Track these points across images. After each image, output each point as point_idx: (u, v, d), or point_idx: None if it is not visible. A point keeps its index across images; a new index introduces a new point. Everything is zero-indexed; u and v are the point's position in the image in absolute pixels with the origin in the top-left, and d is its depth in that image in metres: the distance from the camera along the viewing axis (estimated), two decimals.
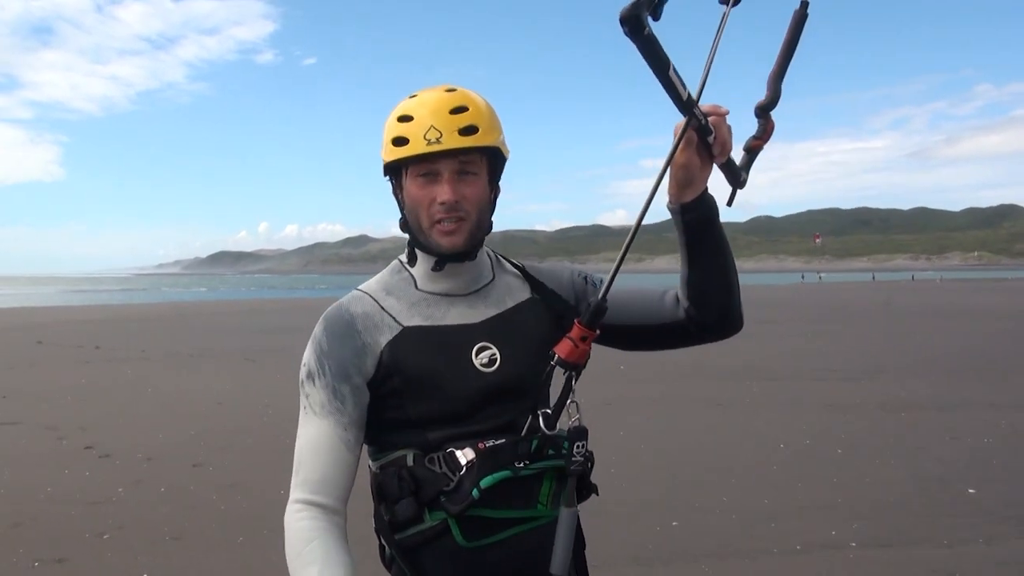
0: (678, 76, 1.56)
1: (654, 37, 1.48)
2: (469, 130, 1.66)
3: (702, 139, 1.66)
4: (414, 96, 1.73)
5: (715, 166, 1.73)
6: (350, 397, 1.72)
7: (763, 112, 1.72)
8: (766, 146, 1.78)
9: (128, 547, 5.83)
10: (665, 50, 1.52)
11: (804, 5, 1.67)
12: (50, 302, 60.08)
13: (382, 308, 1.78)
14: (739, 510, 6.41)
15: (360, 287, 1.86)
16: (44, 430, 9.95)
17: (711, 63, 1.62)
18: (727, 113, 1.68)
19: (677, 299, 1.87)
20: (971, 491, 6.79)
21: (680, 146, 1.65)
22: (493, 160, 1.76)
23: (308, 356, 1.76)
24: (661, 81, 1.55)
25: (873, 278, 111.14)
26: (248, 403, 11.80)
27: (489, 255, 1.92)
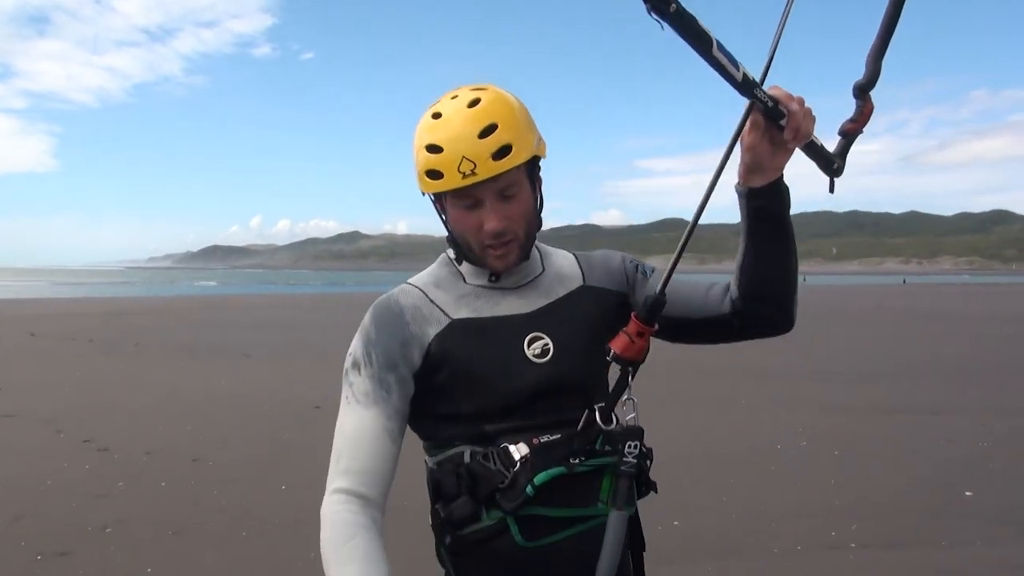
0: (727, 54, 1.46)
1: (687, 13, 1.39)
2: (503, 152, 1.59)
3: (772, 122, 1.56)
4: (438, 115, 1.65)
5: (798, 152, 1.65)
6: (396, 387, 1.69)
7: (861, 93, 1.63)
8: (864, 130, 1.67)
9: (131, 541, 5.84)
10: (707, 27, 1.43)
11: None
12: (42, 294, 59.85)
13: (431, 300, 1.76)
14: (738, 510, 6.45)
15: (409, 280, 1.83)
16: (42, 423, 9.94)
17: (779, 39, 1.55)
18: (800, 100, 1.56)
19: (724, 292, 1.79)
20: (968, 494, 6.83)
21: (746, 128, 1.59)
22: (532, 164, 1.71)
23: (355, 346, 1.74)
24: (707, 61, 1.45)
25: (904, 282, 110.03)
26: (245, 398, 11.79)
27: (538, 248, 1.87)
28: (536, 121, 1.70)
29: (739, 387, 12.53)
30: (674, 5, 1.36)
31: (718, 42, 1.45)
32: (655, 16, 1.36)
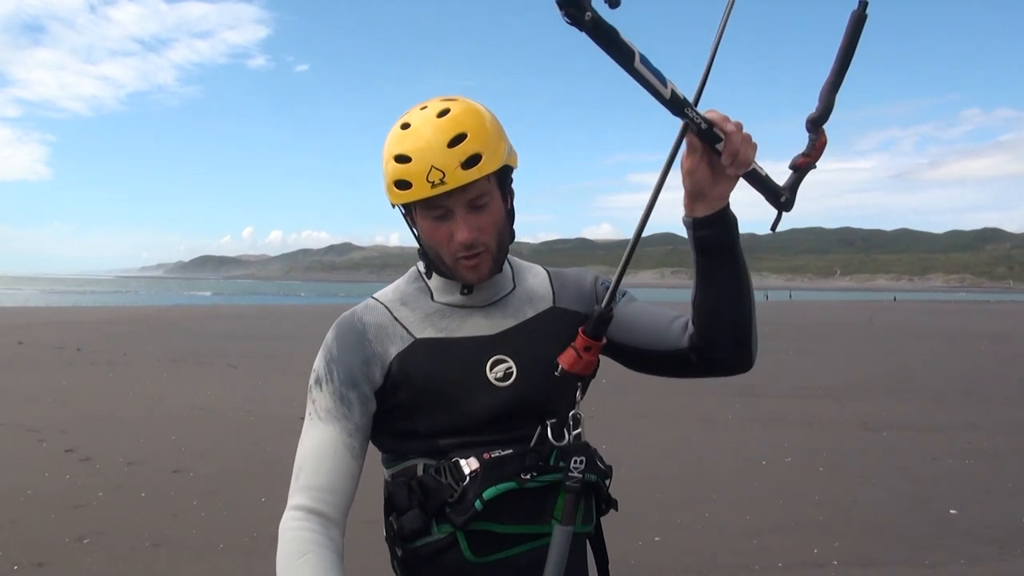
0: (652, 70, 1.44)
1: (606, 25, 1.37)
2: (472, 161, 1.56)
3: (709, 146, 1.53)
4: (407, 126, 1.62)
5: (746, 182, 1.61)
6: (357, 404, 1.68)
7: (814, 126, 1.61)
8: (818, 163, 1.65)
9: (108, 552, 5.79)
10: (629, 40, 1.40)
11: (863, 5, 1.53)
12: (32, 302, 59.73)
13: (395, 318, 1.74)
14: (721, 526, 6.42)
15: (375, 295, 1.82)
16: (25, 432, 9.88)
17: (713, 58, 1.53)
18: (738, 124, 1.51)
19: (685, 326, 1.75)
20: (952, 512, 6.81)
21: (684, 153, 1.56)
22: (503, 174, 1.68)
23: (318, 362, 1.73)
24: (630, 74, 1.43)
25: (895, 299, 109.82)
26: (230, 409, 11.74)
27: (511, 263, 1.85)
28: (528, 136, 1.68)
29: (726, 403, 12.50)
30: (590, 14, 1.34)
31: (642, 56, 1.43)
32: (570, 22, 1.34)
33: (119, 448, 8.99)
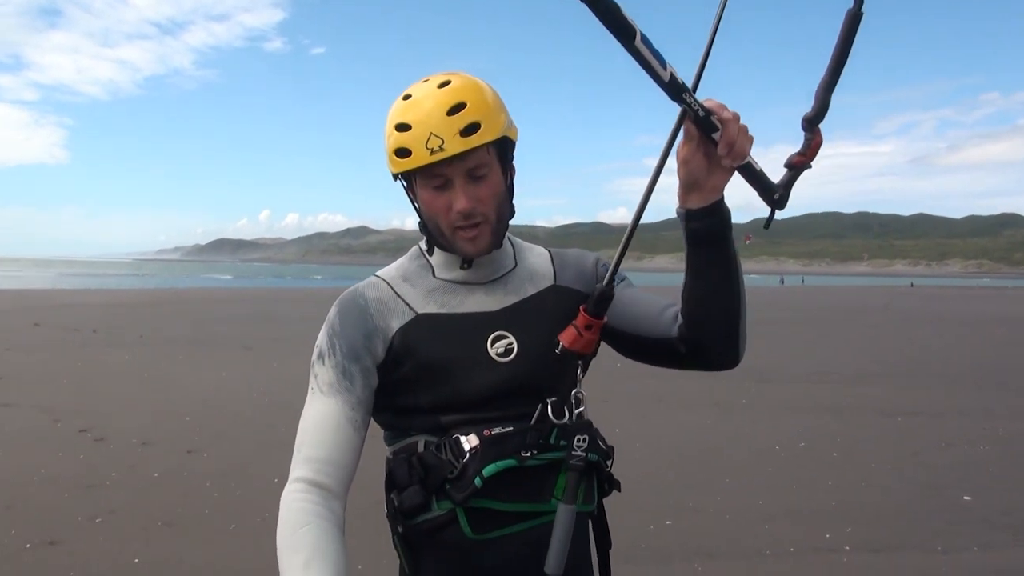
0: (652, 51, 1.43)
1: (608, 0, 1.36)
2: (471, 129, 1.58)
3: (705, 135, 1.51)
4: (408, 97, 1.65)
5: (741, 176, 1.60)
6: (359, 377, 1.68)
7: (810, 125, 1.58)
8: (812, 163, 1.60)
9: (120, 531, 5.83)
10: (631, 18, 1.38)
11: (858, 3, 1.51)
12: (49, 284, 60.01)
13: (397, 294, 1.76)
14: (733, 511, 6.40)
15: (377, 273, 1.83)
16: (39, 412, 9.94)
17: (712, 43, 1.51)
18: (735, 115, 1.50)
19: (677, 316, 1.73)
20: (966, 498, 6.77)
21: (680, 140, 1.54)
22: (502, 147, 1.68)
23: (321, 337, 1.74)
24: (630, 53, 1.42)
25: (911, 285, 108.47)
26: (245, 391, 11.78)
27: (512, 241, 1.86)
28: (543, 117, 1.67)
29: (740, 388, 12.46)
30: None
31: (643, 35, 1.42)
32: None
33: (133, 429, 9.04)
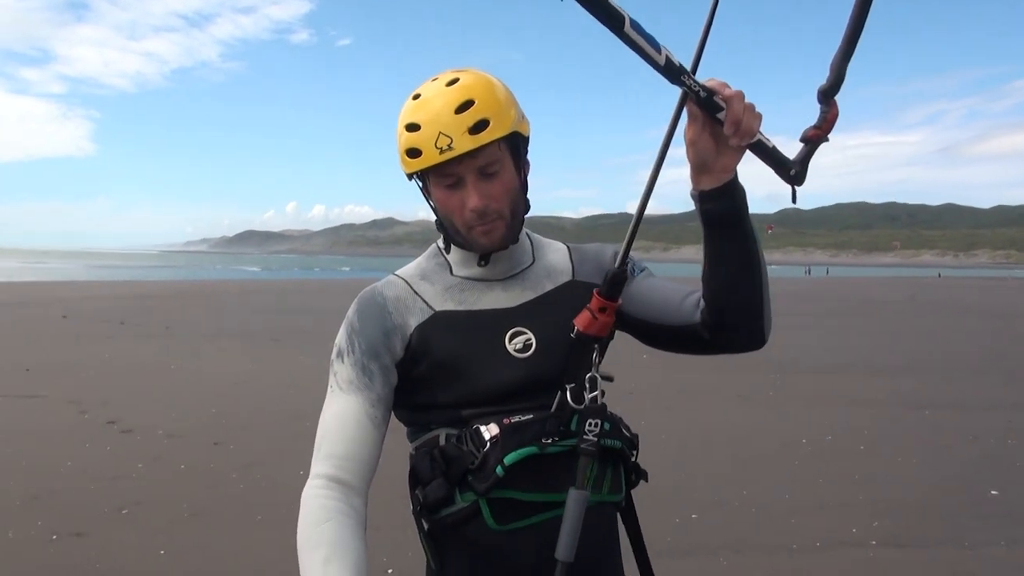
0: (644, 35, 1.41)
1: None
2: (479, 126, 1.58)
3: (710, 115, 1.49)
4: (417, 96, 1.65)
5: (754, 155, 1.57)
6: (378, 375, 1.69)
7: (825, 97, 1.54)
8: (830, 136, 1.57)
9: (146, 523, 5.87)
10: (619, 4, 1.38)
11: None
12: (77, 277, 60.43)
13: (415, 292, 1.76)
14: (758, 504, 6.38)
15: (396, 272, 1.84)
16: (66, 404, 10.03)
17: (710, 24, 1.50)
18: (739, 92, 1.47)
19: (699, 302, 1.71)
20: (993, 492, 6.72)
21: (686, 122, 1.52)
22: (514, 143, 1.67)
23: (340, 336, 1.75)
24: (621, 39, 1.41)
25: (939, 275, 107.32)
26: (271, 383, 11.84)
27: (529, 237, 1.86)
28: (571, 108, 1.66)
29: (766, 380, 12.43)
30: None
31: (632, 20, 1.40)
32: None
33: (160, 421, 9.10)
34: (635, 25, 1.40)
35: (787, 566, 5.24)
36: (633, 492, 1.82)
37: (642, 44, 1.41)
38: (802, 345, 16.72)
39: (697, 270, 1.68)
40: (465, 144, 1.57)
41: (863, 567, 5.24)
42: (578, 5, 1.36)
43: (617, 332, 1.79)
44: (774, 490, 6.75)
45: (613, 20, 1.39)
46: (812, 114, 1.59)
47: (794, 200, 1.62)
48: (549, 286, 1.79)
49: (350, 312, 1.77)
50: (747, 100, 1.48)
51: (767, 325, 1.69)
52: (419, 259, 1.86)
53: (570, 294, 1.77)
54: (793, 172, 1.59)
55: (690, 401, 10.72)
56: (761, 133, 1.53)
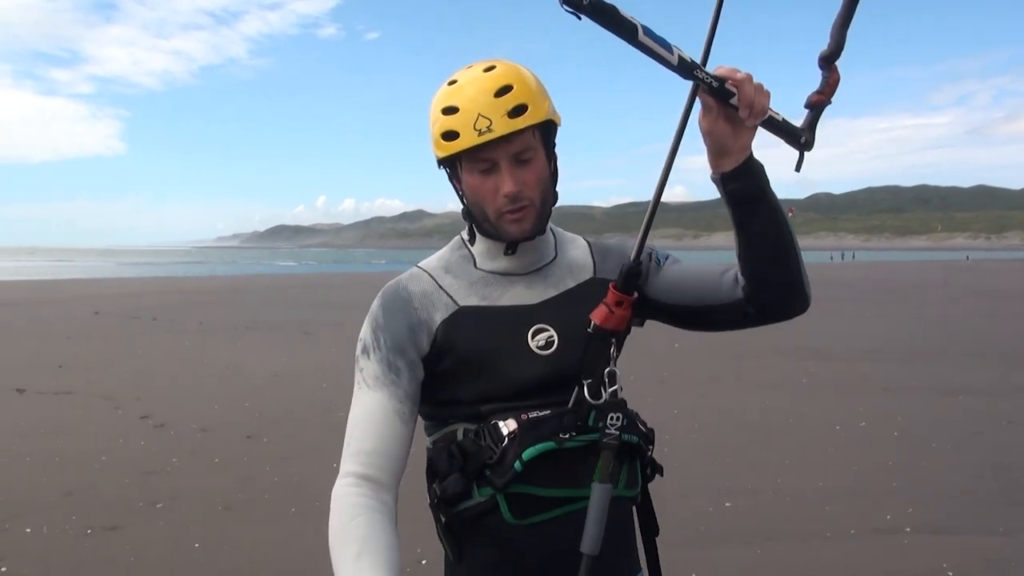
0: (656, 39, 1.44)
1: (604, 3, 1.38)
2: (518, 111, 1.58)
3: (724, 102, 1.52)
4: (453, 82, 1.65)
5: (765, 130, 1.61)
6: (405, 370, 1.68)
7: (826, 63, 1.58)
8: (832, 101, 1.62)
9: (181, 516, 5.92)
10: (629, 14, 1.41)
11: None
12: (109, 274, 60.93)
13: (439, 286, 1.75)
14: (792, 492, 6.35)
15: (420, 264, 1.83)
16: (100, 400, 10.13)
17: (717, 18, 1.54)
18: (748, 75, 1.51)
19: (737, 279, 1.71)
20: None
21: (700, 113, 1.56)
22: (547, 132, 1.68)
23: (364, 331, 1.74)
24: (636, 48, 1.44)
25: (967, 258, 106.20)
26: (304, 376, 11.91)
27: (553, 232, 1.85)
28: (599, 97, 1.67)
29: (800, 367, 12.37)
30: None
31: (644, 27, 1.43)
32: (568, 8, 1.35)
33: (193, 415, 9.17)
34: (648, 32, 1.43)
35: (822, 554, 5.21)
36: (664, 480, 1.82)
37: (656, 49, 1.44)
38: (835, 332, 16.61)
39: (729, 257, 1.68)
40: (504, 127, 1.57)
41: (898, 554, 5.20)
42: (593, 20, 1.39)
43: (634, 326, 1.80)
44: (808, 478, 6.71)
45: (627, 31, 1.42)
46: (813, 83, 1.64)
47: (798, 168, 1.66)
48: (571, 283, 1.79)
49: (374, 306, 1.76)
50: (755, 81, 1.52)
51: (808, 288, 1.71)
52: (442, 251, 1.85)
53: (592, 291, 1.76)
54: (803, 139, 1.63)
55: (723, 388, 10.68)
56: (771, 108, 1.57)
